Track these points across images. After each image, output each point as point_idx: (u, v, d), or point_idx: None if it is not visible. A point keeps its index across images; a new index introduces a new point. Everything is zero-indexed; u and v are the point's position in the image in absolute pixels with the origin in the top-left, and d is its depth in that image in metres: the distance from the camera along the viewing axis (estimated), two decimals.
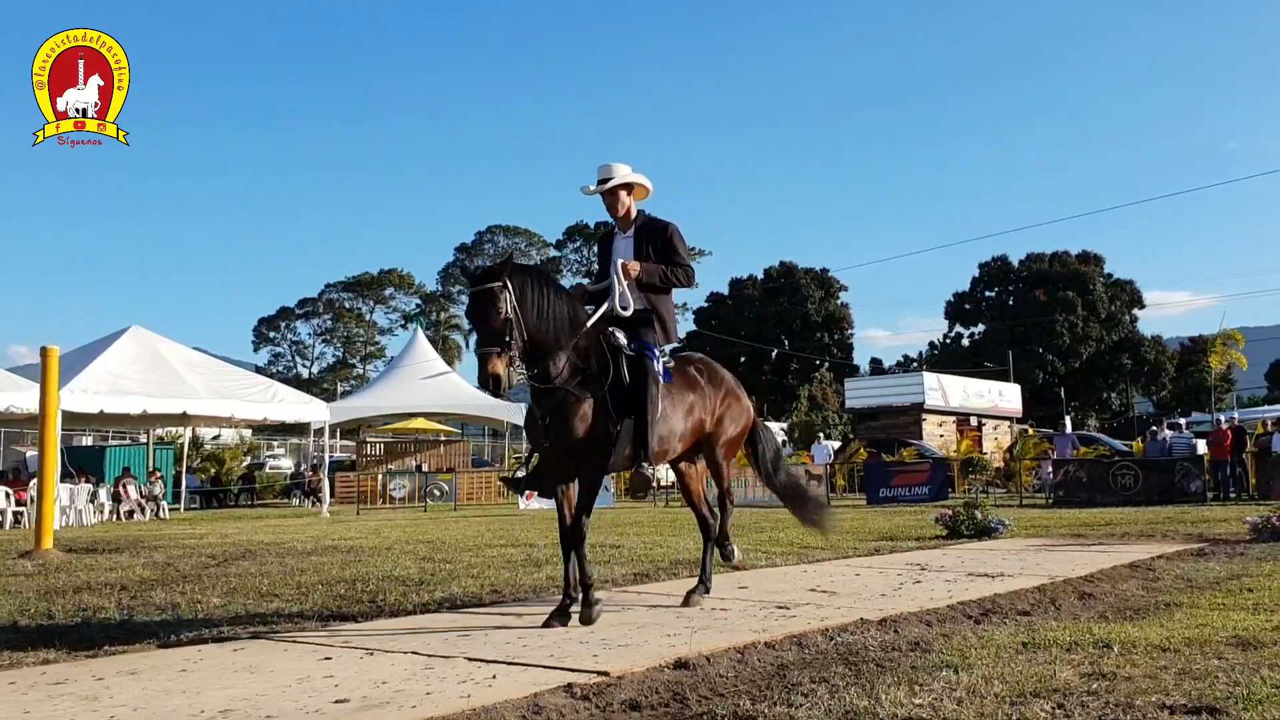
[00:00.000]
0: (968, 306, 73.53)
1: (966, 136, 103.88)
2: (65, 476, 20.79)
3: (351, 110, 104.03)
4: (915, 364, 74.22)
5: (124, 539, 14.74)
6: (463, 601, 6.73)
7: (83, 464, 24.95)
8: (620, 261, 5.90)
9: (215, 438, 38.03)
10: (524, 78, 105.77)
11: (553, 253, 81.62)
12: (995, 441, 40.07)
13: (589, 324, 5.61)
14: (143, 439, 33.16)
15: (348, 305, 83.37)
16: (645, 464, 5.55)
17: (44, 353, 12.00)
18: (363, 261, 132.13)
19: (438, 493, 28.75)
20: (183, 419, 24.79)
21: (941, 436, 38.15)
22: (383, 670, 4.16)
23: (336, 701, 3.60)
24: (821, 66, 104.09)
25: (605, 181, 6.05)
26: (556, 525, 5.67)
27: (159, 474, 25.72)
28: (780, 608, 5.80)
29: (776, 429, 48.70)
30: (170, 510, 24.40)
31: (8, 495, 20.51)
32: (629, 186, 6.13)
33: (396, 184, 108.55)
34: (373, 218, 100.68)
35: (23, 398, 19.37)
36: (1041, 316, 66.46)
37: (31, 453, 35.18)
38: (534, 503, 24.25)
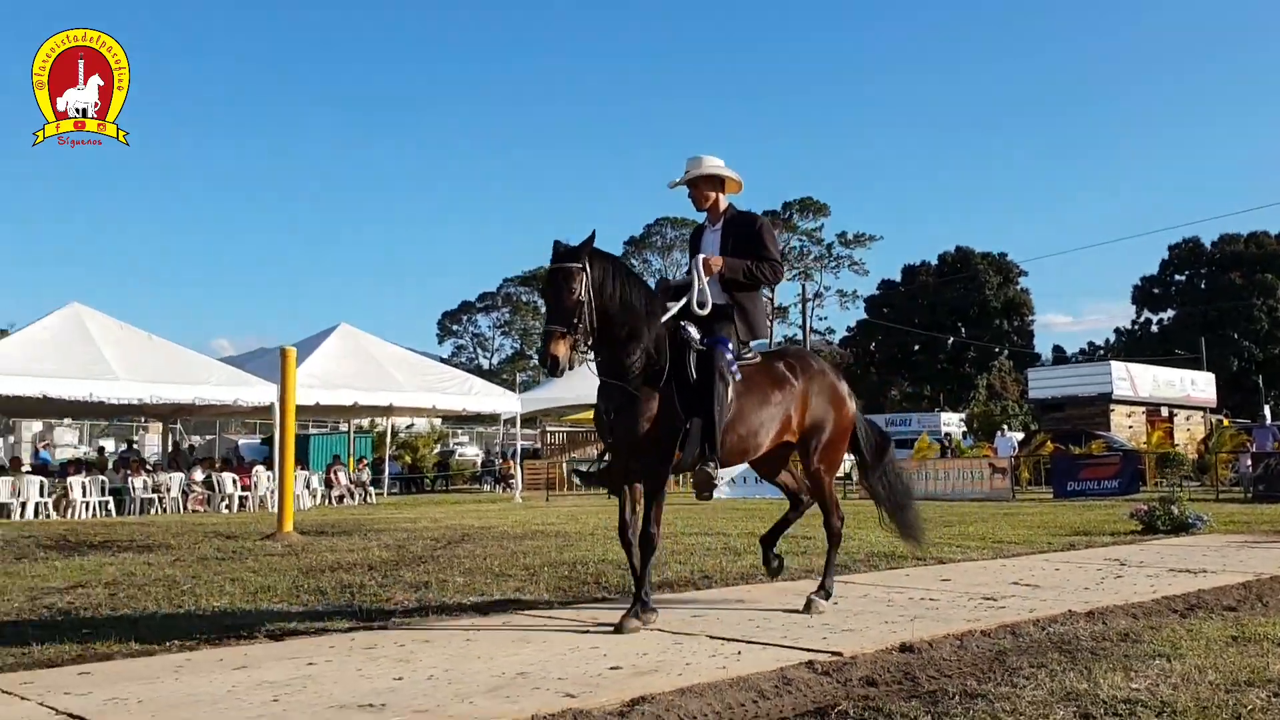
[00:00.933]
0: (1156, 291, 70.36)
1: (1156, 113, 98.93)
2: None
3: (519, 104, 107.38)
4: (1101, 352, 71.49)
5: (346, 523, 16.03)
6: (679, 585, 7.31)
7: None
8: (701, 257, 5.76)
9: (409, 427, 40.14)
10: (691, 68, 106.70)
11: None
12: (1188, 433, 38.44)
13: (663, 319, 5.47)
14: (343, 428, 35.39)
15: (524, 298, 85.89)
16: (712, 462, 5.36)
17: (283, 353, 13.25)
18: (538, 256, 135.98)
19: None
20: (388, 410, 26.45)
21: (1130, 428, 36.88)
22: (638, 643, 4.75)
23: (611, 668, 4.19)
24: (997, 43, 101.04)
25: (695, 176, 5.93)
26: (747, 514, 6.16)
27: (365, 461, 27.50)
28: (987, 599, 6.14)
29: (954, 420, 47.91)
30: (375, 495, 26.10)
31: (234, 481, 22.42)
32: (717, 180, 5.98)
33: (569, 178, 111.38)
34: (547, 212, 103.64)
35: (248, 392, 21.11)
36: (1237, 300, 63.00)
37: (244, 440, 37.98)
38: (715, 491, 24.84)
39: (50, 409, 24.49)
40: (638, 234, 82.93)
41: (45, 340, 19.42)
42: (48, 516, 19.44)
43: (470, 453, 45.89)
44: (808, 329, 45.62)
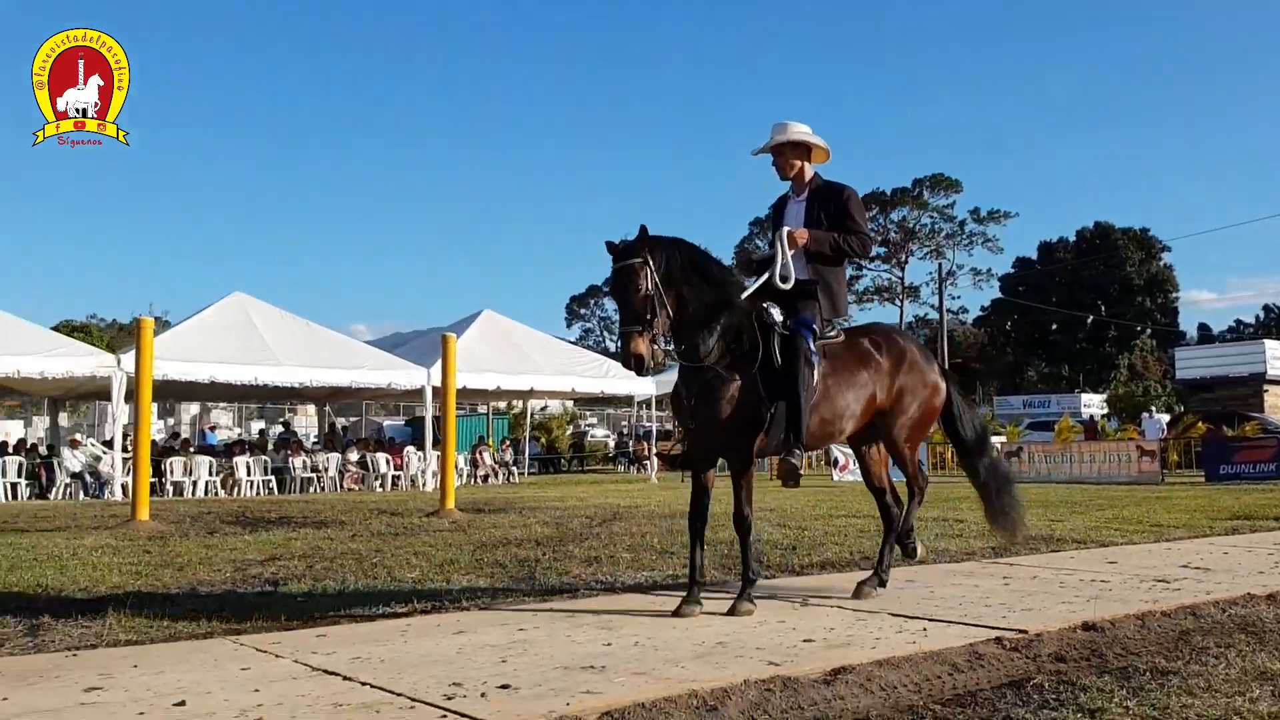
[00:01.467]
0: None
1: None
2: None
3: (637, 88, 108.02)
4: (1251, 330, 68.32)
5: (496, 501, 16.64)
6: (842, 565, 7.48)
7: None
8: (786, 229, 5.58)
9: (543, 409, 41.04)
10: (816, 42, 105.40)
11: None
12: None
13: (741, 299, 5.32)
14: (481, 410, 36.43)
15: None
16: (797, 449, 5.25)
17: (444, 339, 13.84)
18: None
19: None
20: (528, 393, 27.18)
21: None
22: (822, 619, 4.97)
23: (804, 640, 4.43)
24: (1137, 7, 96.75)
25: (778, 143, 5.76)
26: (847, 499, 6.23)
27: (508, 442, 28.32)
28: (1159, 581, 6.16)
29: (1095, 401, 46.54)
30: (516, 475, 26.86)
31: (388, 461, 23.39)
32: (803, 148, 5.80)
33: (692, 159, 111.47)
34: (669, 193, 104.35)
35: (400, 376, 21.99)
36: None
37: (388, 422, 39.39)
38: (846, 475, 24.84)
39: (215, 392, 25.84)
40: (763, 215, 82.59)
41: (212, 327, 20.59)
42: (216, 494, 20.65)
43: (600, 434, 46.65)
44: (943, 309, 44.80)
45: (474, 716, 3.25)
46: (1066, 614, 5.02)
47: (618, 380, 26.06)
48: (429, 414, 22.38)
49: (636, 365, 5.06)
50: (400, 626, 4.94)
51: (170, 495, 19.93)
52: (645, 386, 26.73)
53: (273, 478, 21.76)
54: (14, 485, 19.38)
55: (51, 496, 19.58)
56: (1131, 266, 67.04)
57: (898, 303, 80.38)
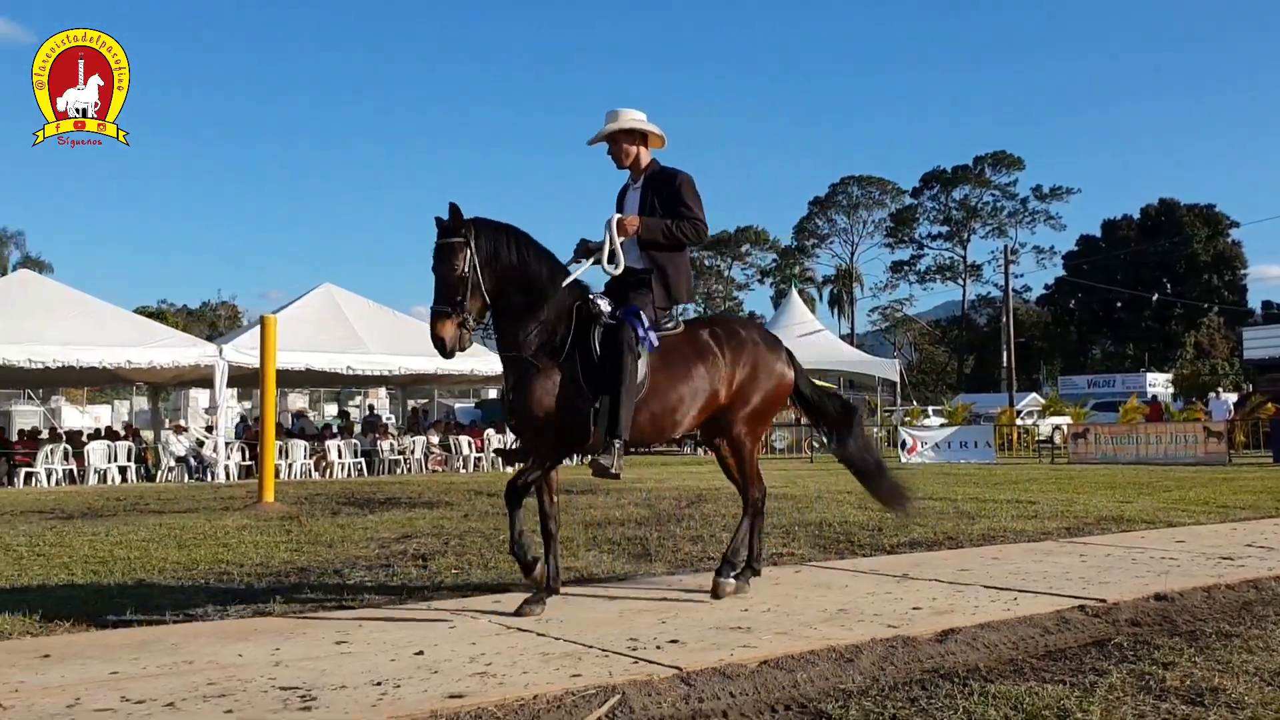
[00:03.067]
0: None
1: None
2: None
3: (701, 68, 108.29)
4: None
5: (579, 483, 17.45)
6: (931, 545, 8.19)
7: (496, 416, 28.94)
8: (616, 216, 5.48)
9: None
10: (880, 21, 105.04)
11: (908, 200, 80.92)
12: None
13: (562, 287, 5.20)
14: None
15: (707, 263, 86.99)
16: (615, 444, 5.04)
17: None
18: (721, 219, 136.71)
19: (817, 445, 30.48)
20: None
21: None
22: (923, 591, 5.69)
23: (914, 608, 5.16)
24: None
25: (611, 131, 5.64)
26: (959, 479, 6.83)
27: None
28: (1224, 558, 6.80)
29: (1160, 380, 46.39)
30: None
31: (469, 443, 24.38)
32: (638, 135, 5.67)
33: (753, 139, 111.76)
34: (732, 175, 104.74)
35: (480, 363, 22.93)
36: None
37: (459, 405, 40.53)
38: (915, 457, 25.41)
39: (309, 379, 27.01)
40: (822, 194, 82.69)
41: (305, 318, 21.67)
42: (309, 476, 21.76)
43: None
44: (1008, 288, 44.86)
45: (659, 662, 4.04)
46: (1140, 586, 5.70)
47: None
48: None
49: (440, 347, 4.91)
50: (561, 595, 5.76)
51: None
52: None
53: (362, 460, 22.83)
54: (124, 469, 20.61)
55: (158, 479, 20.79)
56: (1198, 243, 66.33)
57: (960, 282, 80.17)
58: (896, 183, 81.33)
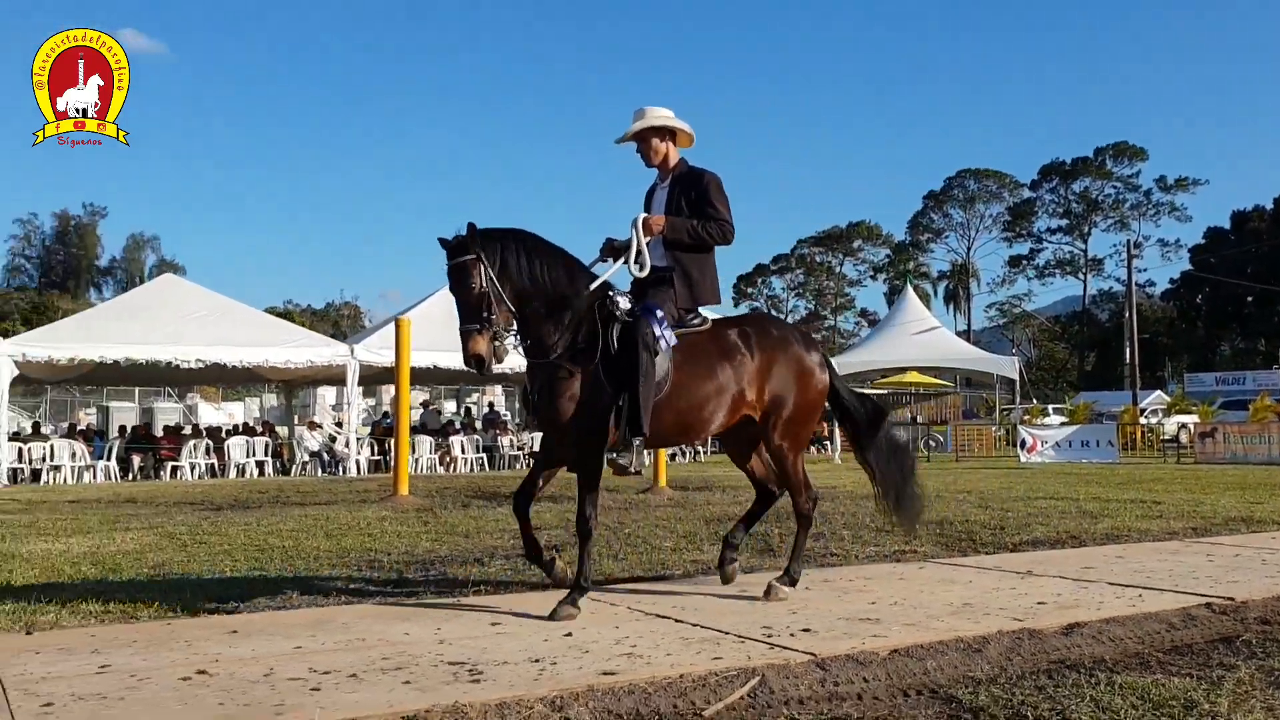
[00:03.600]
0: None
1: None
2: None
3: (812, 63, 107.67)
4: None
5: (695, 480, 17.73)
6: (1052, 543, 8.23)
7: None
8: (641, 216, 5.45)
9: None
10: (989, 12, 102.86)
11: (1026, 193, 79.04)
12: None
13: (587, 290, 5.18)
14: None
15: (819, 259, 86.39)
16: (634, 443, 5.05)
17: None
18: (831, 214, 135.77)
19: (933, 443, 30.23)
20: None
21: None
22: (1048, 587, 5.80)
23: (1038, 603, 5.30)
24: None
25: (640, 129, 5.60)
26: (1081, 479, 6.74)
27: None
28: None
29: None
30: (701, 454, 28.03)
31: None
32: (667, 133, 5.62)
33: (864, 134, 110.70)
34: (842, 170, 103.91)
35: None
36: None
37: None
38: (1035, 456, 25.00)
39: (433, 377, 27.85)
40: (937, 188, 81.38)
41: (432, 317, 22.38)
42: (434, 471, 22.51)
43: None
44: (1132, 282, 43.62)
45: (794, 648, 4.29)
46: (1270, 586, 5.72)
47: None
48: None
49: (477, 365, 4.94)
50: (692, 584, 6.05)
51: None
52: None
53: (484, 455, 23.51)
54: (261, 463, 21.65)
55: (292, 473, 21.78)
56: None
57: (1080, 276, 78.02)
58: (1014, 176, 79.54)
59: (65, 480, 19.49)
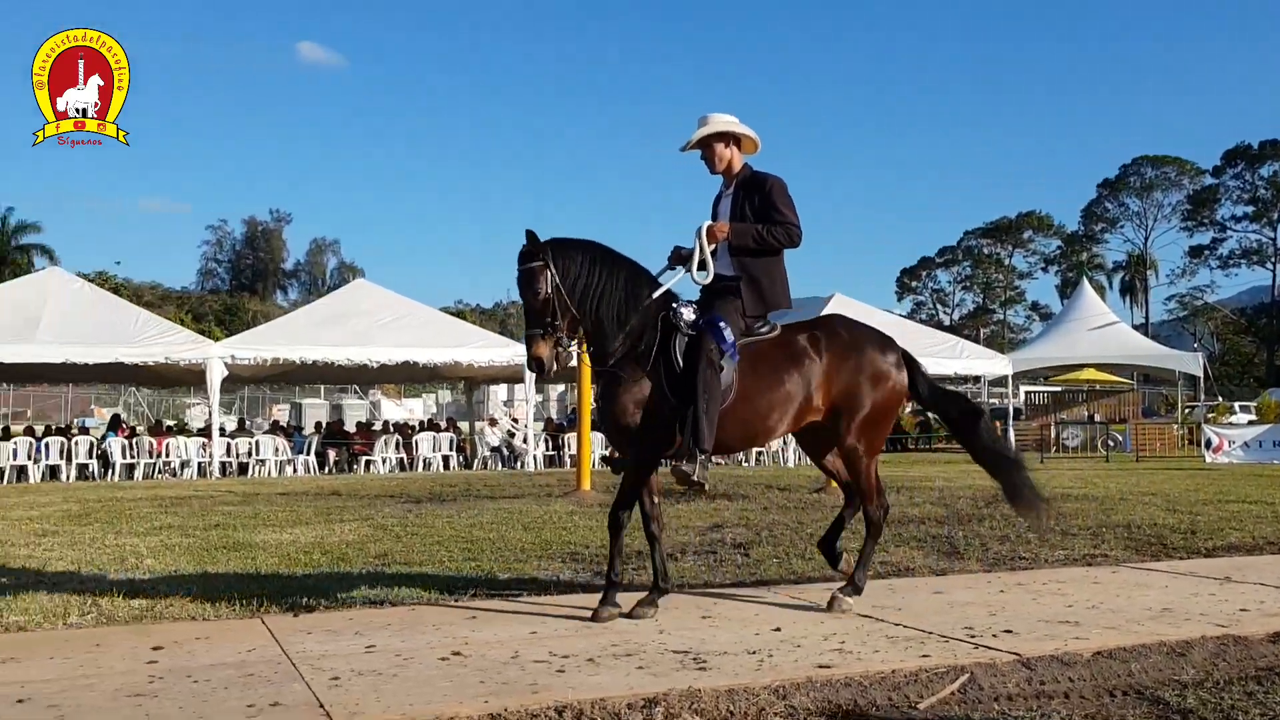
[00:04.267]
0: None
1: None
2: None
3: (981, 47, 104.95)
4: None
5: (881, 478, 17.75)
6: (1245, 549, 8.08)
7: None
8: (705, 224, 5.45)
9: None
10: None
11: (1208, 180, 74.98)
12: None
13: (653, 297, 5.29)
14: None
15: (986, 251, 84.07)
16: (698, 453, 5.05)
17: None
18: (1000, 205, 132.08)
19: (1112, 443, 29.24)
20: None
21: None
22: (1248, 594, 5.79)
23: (1240, 610, 5.32)
24: None
25: (703, 136, 5.61)
26: (1271, 485, 6.54)
27: None
28: None
29: None
30: None
31: None
32: (731, 139, 5.62)
33: (1034, 124, 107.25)
34: (1011, 161, 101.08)
35: None
36: None
37: None
38: (1221, 456, 23.94)
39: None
40: (1112, 175, 78.10)
41: None
42: (604, 468, 23.10)
43: None
44: None
45: (998, 648, 4.50)
46: None
47: (972, 361, 26.50)
48: None
49: (538, 368, 5.13)
50: (886, 585, 6.29)
51: (568, 466, 22.61)
52: (1003, 366, 26.99)
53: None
54: (446, 458, 22.71)
55: (474, 467, 22.76)
56: None
57: (1269, 266, 73.67)
58: (1196, 162, 75.54)
59: (269, 473, 20.95)
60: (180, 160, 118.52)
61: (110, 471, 20.33)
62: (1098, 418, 32.03)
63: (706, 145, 5.64)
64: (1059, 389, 35.30)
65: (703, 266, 5.40)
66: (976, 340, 50.86)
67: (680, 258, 5.52)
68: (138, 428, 26.12)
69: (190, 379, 24.21)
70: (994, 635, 4.77)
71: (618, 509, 5.36)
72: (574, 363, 5.62)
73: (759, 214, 5.47)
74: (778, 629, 4.94)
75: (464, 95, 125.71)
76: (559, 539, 8.91)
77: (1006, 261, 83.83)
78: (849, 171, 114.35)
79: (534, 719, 3.63)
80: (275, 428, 26.12)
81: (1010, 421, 27.88)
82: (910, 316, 76.88)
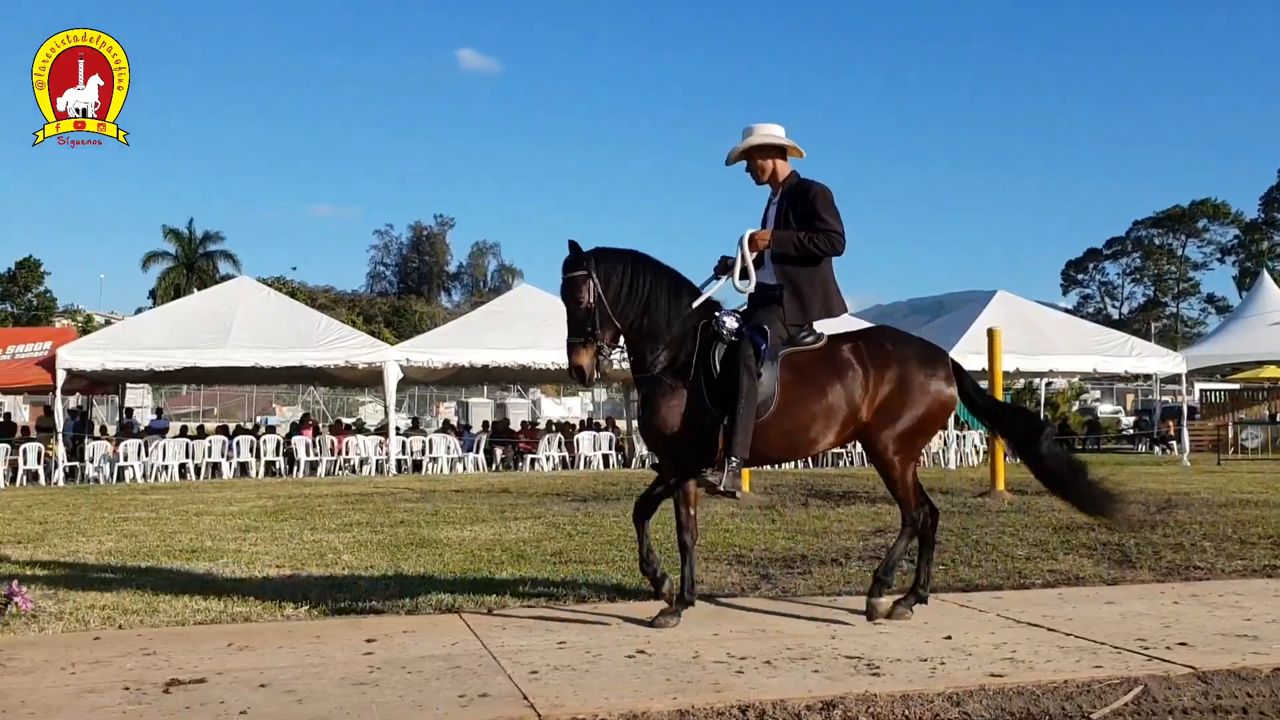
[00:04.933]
0: None
1: None
2: None
3: (1143, 33, 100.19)
4: None
5: (1034, 484, 17.39)
6: None
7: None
8: (748, 232, 5.49)
9: (1047, 384, 40.44)
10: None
11: None
12: None
13: (693, 306, 5.38)
14: (983, 385, 36.77)
15: (1157, 242, 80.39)
16: (730, 462, 5.11)
17: (990, 334, 14.94)
18: (1173, 193, 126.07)
19: None
20: (1047, 374, 27.48)
21: None
22: None
23: None
24: None
25: (745, 149, 5.67)
26: None
27: None
28: None
29: None
30: None
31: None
32: (773, 149, 5.66)
33: (1209, 105, 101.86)
34: (1183, 145, 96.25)
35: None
36: None
37: None
38: None
39: None
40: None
41: None
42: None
43: (1106, 410, 44.83)
44: None
45: (1173, 661, 4.55)
46: None
47: (1143, 359, 25.59)
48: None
49: (579, 376, 5.27)
50: (1056, 594, 6.34)
51: None
52: (1175, 365, 25.97)
53: None
54: (606, 456, 23.30)
55: (632, 465, 23.26)
56: None
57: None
58: None
59: (441, 470, 21.93)
60: (349, 166, 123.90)
61: (295, 468, 21.66)
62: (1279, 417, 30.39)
63: (750, 157, 5.71)
64: (1237, 387, 33.61)
65: (745, 275, 5.45)
66: (1147, 336, 48.78)
67: (726, 266, 5.54)
68: (319, 426, 27.62)
69: (366, 379, 25.51)
70: (1168, 648, 4.80)
71: (640, 504, 5.52)
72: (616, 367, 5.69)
73: (802, 221, 5.48)
74: (948, 637, 5.08)
75: (618, 97, 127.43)
76: (723, 541, 9.17)
77: (1179, 252, 79.98)
78: (1011, 162, 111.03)
79: (719, 716, 3.91)
80: (446, 426, 27.22)
81: (1184, 421, 26.72)
82: (1076, 311, 74.20)
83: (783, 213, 5.57)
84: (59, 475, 20.15)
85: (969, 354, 22.80)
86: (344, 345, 21.27)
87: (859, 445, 5.98)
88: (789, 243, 5.45)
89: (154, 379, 27.32)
